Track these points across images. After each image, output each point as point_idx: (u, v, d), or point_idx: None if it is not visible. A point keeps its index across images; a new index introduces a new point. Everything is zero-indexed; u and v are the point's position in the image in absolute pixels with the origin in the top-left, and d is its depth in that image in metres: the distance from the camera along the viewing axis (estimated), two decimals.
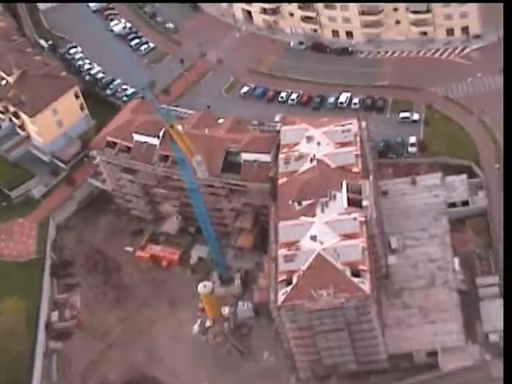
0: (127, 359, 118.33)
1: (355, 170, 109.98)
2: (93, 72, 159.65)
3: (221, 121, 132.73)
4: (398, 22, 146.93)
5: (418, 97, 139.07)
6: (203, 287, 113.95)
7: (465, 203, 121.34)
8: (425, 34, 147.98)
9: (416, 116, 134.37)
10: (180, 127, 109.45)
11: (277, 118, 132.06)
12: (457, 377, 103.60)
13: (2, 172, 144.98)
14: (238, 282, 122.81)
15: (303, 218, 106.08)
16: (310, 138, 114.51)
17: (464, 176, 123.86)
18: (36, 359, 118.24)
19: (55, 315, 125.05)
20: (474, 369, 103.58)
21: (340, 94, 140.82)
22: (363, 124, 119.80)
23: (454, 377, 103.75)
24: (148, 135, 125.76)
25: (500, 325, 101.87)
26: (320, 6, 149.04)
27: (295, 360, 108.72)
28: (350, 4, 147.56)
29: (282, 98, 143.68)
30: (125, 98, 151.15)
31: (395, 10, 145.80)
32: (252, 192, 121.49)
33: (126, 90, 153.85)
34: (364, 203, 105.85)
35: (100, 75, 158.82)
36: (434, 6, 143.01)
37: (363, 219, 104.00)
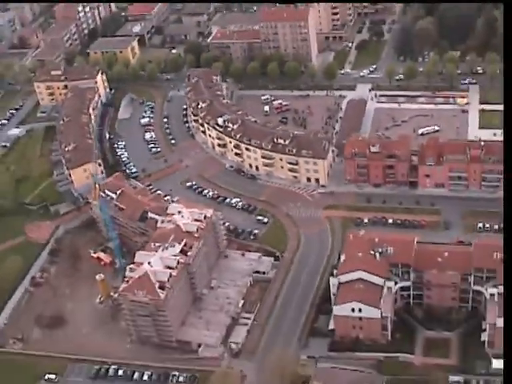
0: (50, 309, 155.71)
1: (196, 235, 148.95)
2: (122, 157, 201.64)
3: (167, 197, 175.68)
4: (282, 167, 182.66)
5: (273, 209, 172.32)
6: (98, 277, 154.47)
7: (263, 273, 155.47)
8: (295, 177, 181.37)
9: (266, 219, 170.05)
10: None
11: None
12: (207, 361, 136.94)
13: (51, 196, 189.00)
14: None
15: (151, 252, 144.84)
16: (180, 213, 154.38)
17: (271, 258, 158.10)
18: None
19: None
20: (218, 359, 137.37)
21: (232, 199, 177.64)
22: (218, 214, 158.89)
23: (206, 361, 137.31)
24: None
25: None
26: (243, 147, 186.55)
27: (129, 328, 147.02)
28: (258, 150, 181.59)
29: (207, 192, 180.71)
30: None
31: (281, 159, 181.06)
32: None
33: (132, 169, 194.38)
34: (189, 253, 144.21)
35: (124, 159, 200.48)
36: (301, 161, 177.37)
37: (183, 261, 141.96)
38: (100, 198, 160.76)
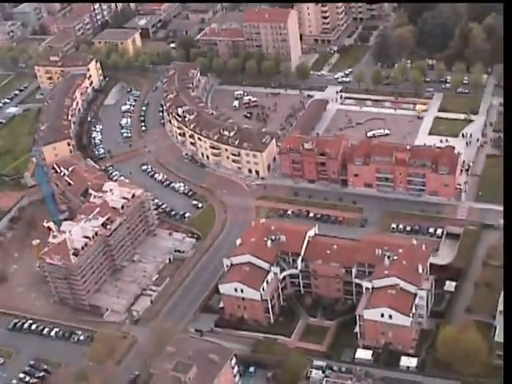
0: None
1: (120, 211, 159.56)
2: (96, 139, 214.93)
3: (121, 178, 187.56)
4: (227, 158, 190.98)
5: (210, 196, 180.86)
6: (34, 242, 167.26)
7: (182, 252, 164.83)
8: (239, 168, 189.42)
9: (200, 204, 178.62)
10: None
11: None
12: (109, 324, 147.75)
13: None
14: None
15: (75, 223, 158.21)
16: (111, 190, 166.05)
17: (193, 239, 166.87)
18: None
19: None
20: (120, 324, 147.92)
21: (176, 183, 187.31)
22: (147, 194, 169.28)
23: (109, 324, 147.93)
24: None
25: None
26: (196, 137, 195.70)
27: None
28: (207, 140, 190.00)
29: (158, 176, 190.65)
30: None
31: (226, 150, 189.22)
32: None
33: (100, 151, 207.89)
34: (108, 227, 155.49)
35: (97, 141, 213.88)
36: (242, 153, 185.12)
37: (101, 233, 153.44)
38: (36, 167, 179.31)
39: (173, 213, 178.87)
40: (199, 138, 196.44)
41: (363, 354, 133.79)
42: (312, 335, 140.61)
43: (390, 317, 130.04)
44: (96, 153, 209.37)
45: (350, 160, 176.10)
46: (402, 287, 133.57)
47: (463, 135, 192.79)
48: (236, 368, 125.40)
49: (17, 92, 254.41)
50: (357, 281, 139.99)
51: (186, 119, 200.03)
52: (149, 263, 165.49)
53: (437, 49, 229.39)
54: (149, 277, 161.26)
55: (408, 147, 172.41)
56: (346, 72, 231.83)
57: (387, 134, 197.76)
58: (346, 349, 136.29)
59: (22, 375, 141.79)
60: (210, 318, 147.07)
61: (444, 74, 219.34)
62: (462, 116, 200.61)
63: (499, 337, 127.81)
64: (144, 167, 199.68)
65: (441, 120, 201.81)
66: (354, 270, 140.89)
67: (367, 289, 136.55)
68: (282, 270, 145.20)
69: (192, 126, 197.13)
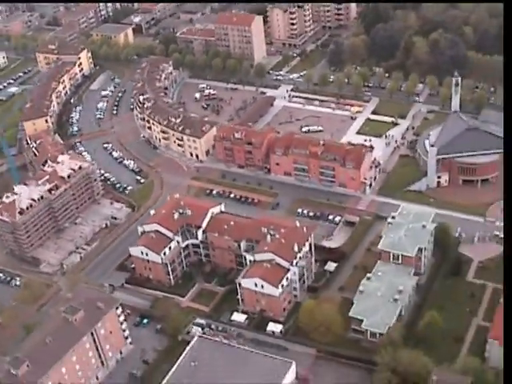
0: None
1: (66, 180, 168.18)
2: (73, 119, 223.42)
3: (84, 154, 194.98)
4: (174, 142, 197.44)
5: (153, 174, 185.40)
6: None
7: (116, 219, 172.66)
8: (183, 151, 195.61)
9: (143, 180, 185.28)
10: None
11: None
12: (44, 275, 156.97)
13: (9, 141, 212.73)
14: None
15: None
16: (62, 162, 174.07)
17: (129, 209, 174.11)
18: None
19: None
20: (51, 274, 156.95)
21: (128, 161, 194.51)
22: (93, 167, 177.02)
23: (44, 274, 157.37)
24: None
25: None
26: (151, 122, 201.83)
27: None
28: (158, 125, 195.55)
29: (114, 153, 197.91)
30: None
31: (173, 135, 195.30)
32: None
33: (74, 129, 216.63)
34: (53, 192, 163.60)
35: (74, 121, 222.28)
36: (185, 138, 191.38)
37: (46, 196, 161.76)
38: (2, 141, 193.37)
39: (118, 185, 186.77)
40: (153, 123, 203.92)
41: (238, 317, 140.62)
42: (203, 298, 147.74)
43: (262, 287, 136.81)
44: (70, 130, 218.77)
45: (272, 150, 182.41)
46: (277, 262, 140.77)
47: (386, 136, 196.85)
48: (122, 316, 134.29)
49: (21, 74, 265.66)
50: (244, 254, 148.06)
51: (145, 106, 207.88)
52: (87, 226, 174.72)
53: (384, 58, 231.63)
54: (84, 237, 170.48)
55: (322, 142, 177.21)
56: (301, 74, 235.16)
57: (320, 131, 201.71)
58: (225, 312, 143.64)
59: None
60: (122, 276, 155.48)
61: (384, 80, 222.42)
62: (390, 119, 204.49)
63: (353, 312, 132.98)
64: (105, 145, 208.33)
65: (371, 122, 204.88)
66: (242, 244, 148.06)
67: (250, 261, 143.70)
68: (185, 239, 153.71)
69: (148, 112, 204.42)
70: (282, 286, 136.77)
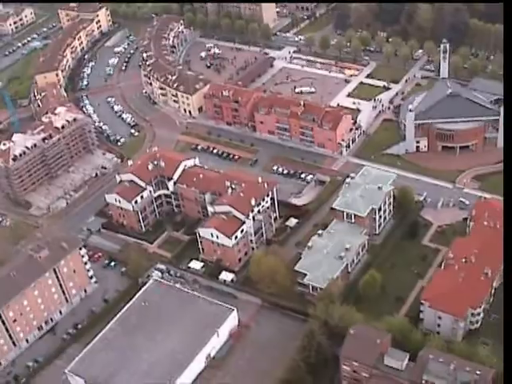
0: None
1: (60, 130, 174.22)
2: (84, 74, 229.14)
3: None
4: (171, 98, 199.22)
5: (148, 127, 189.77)
6: None
7: (105, 168, 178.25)
8: (179, 107, 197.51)
9: (136, 133, 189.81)
10: None
11: None
12: (31, 216, 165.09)
13: (23, 93, 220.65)
14: None
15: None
16: (58, 114, 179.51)
17: (119, 159, 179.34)
18: None
19: None
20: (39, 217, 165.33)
21: (128, 114, 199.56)
22: (88, 120, 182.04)
23: (31, 216, 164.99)
24: None
25: None
26: (152, 79, 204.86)
27: None
28: (157, 82, 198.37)
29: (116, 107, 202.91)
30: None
31: (170, 91, 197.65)
32: None
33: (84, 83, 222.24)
34: (46, 141, 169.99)
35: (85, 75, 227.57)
36: (179, 95, 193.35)
37: (39, 145, 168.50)
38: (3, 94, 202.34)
39: (112, 138, 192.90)
40: (153, 80, 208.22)
41: (195, 265, 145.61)
42: (168, 245, 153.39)
43: (217, 237, 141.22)
44: (80, 84, 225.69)
45: (255, 109, 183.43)
46: (233, 214, 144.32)
47: (374, 100, 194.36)
48: (86, 256, 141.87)
49: (45, 29, 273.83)
50: (208, 205, 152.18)
51: (147, 63, 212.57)
52: (78, 174, 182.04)
53: (389, 23, 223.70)
54: (73, 185, 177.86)
55: (302, 103, 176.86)
56: (307, 36, 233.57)
57: (312, 92, 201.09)
58: (186, 259, 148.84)
59: None
60: (100, 222, 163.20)
61: (384, 45, 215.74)
62: (382, 84, 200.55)
63: (298, 267, 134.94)
64: (109, 99, 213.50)
65: (363, 85, 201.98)
66: (207, 196, 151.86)
67: (211, 212, 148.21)
68: (157, 189, 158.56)
69: (149, 69, 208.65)
70: (236, 237, 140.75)
